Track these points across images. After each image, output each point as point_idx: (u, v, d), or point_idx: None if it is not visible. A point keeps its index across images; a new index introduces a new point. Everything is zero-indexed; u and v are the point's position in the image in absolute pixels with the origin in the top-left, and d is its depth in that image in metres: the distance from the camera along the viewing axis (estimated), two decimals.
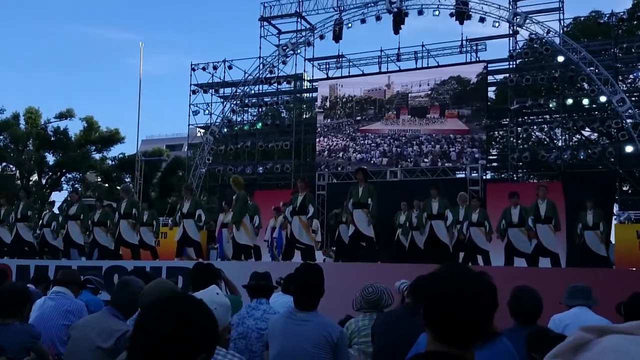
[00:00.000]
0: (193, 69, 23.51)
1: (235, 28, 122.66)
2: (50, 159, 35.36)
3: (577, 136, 23.96)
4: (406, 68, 21.79)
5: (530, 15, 19.54)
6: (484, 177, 20.15)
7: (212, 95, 24.08)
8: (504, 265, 10.79)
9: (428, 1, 20.48)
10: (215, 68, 23.22)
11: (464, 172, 19.93)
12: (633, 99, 19.36)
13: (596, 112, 20.44)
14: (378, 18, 21.18)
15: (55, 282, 5.15)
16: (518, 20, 19.55)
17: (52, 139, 35.08)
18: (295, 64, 22.89)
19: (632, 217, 17.37)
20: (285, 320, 3.77)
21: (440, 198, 11.80)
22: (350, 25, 21.80)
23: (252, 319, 4.51)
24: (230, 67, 23.19)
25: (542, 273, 9.27)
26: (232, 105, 23.35)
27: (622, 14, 19.67)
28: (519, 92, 20.15)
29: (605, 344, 1.01)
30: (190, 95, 23.80)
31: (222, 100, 23.96)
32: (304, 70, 24.04)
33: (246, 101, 23.61)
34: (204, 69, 23.37)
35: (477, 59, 21.17)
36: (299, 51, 22.72)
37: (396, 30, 21.06)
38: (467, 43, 21.45)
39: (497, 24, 19.81)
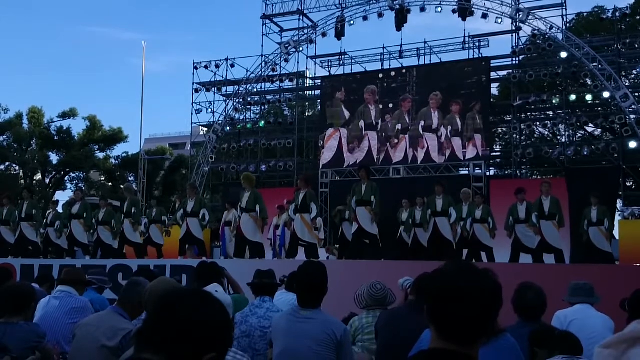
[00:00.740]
0: (195, 68, 23.51)
1: (238, 26, 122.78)
2: (54, 158, 35.48)
3: (581, 132, 23.92)
4: (409, 65, 21.75)
5: (533, 12, 19.50)
6: (487, 174, 20.12)
7: (214, 93, 24.09)
8: (509, 261, 10.77)
9: None
10: (217, 66, 23.23)
11: (467, 169, 19.90)
12: (636, 94, 19.32)
13: (599, 108, 20.39)
14: (380, 15, 21.16)
15: (60, 281, 5.15)
16: (521, 16, 19.51)
17: (56, 138, 35.16)
18: (298, 62, 22.95)
19: (636, 213, 17.36)
20: (289, 318, 3.76)
21: (445, 195, 11.79)
22: (352, 22, 21.78)
23: (255, 317, 4.51)
24: (232, 66, 23.21)
25: (546, 269, 9.25)
26: (235, 103, 23.36)
27: (625, 9, 19.63)
28: (522, 89, 20.11)
29: None
30: (192, 94, 23.86)
31: (224, 98, 23.96)
32: (307, 68, 24.06)
33: (249, 99, 23.60)
34: (206, 67, 23.38)
35: (480, 56, 21.13)
36: (301, 49, 22.72)
37: (398, 27, 21.04)
38: (470, 40, 21.39)
39: (499, 20, 19.78)
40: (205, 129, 24.92)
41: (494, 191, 17.94)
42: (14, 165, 34.86)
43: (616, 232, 15.34)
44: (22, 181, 33.64)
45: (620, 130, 18.27)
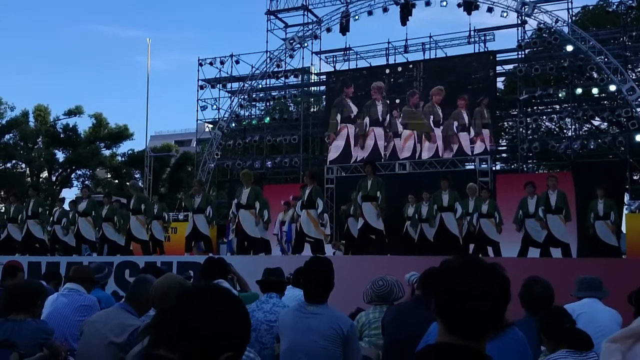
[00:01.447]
0: (200, 64, 23.50)
1: (242, 22, 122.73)
2: (60, 156, 35.56)
3: (587, 126, 23.81)
4: (414, 60, 21.67)
5: (538, 5, 19.39)
6: (494, 169, 20.06)
7: (219, 90, 24.06)
8: (517, 255, 10.75)
9: None
10: (222, 63, 23.19)
11: (473, 164, 19.84)
12: None
13: (606, 101, 20.28)
14: (385, 10, 21.08)
15: (68, 278, 5.17)
16: (526, 9, 19.41)
17: (62, 136, 35.23)
18: (303, 58, 22.84)
19: None
20: (295, 314, 3.77)
21: (451, 190, 11.78)
22: (357, 17, 21.72)
23: (261, 312, 4.52)
24: (237, 62, 23.16)
25: (553, 263, 9.23)
26: (240, 99, 23.35)
27: (630, 2, 19.50)
28: (527, 82, 20.02)
29: None
30: (197, 91, 23.83)
31: (229, 95, 23.95)
32: (311, 64, 23.98)
33: (254, 95, 23.59)
34: (211, 64, 23.35)
35: (486, 50, 21.05)
36: (306, 44, 22.65)
37: (403, 21, 20.95)
38: (475, 34, 21.29)
39: (505, 14, 19.66)
40: (210, 126, 24.92)
41: (500, 186, 17.89)
42: (21, 163, 34.98)
43: (623, 226, 15.29)
44: (29, 179, 33.76)
45: (627, 123, 18.17)
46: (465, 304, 1.62)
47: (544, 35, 19.44)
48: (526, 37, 20.26)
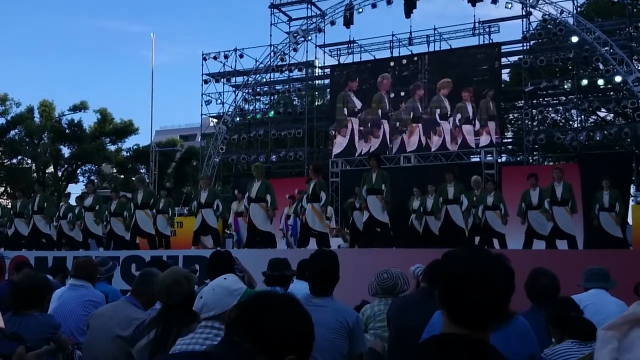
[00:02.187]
0: (204, 59, 23.49)
1: (246, 16, 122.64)
2: (66, 151, 35.72)
3: (593, 117, 23.71)
4: (418, 52, 21.61)
5: None
6: (499, 161, 20.02)
7: (223, 84, 24.07)
8: (522, 247, 10.73)
9: None
10: (226, 57, 23.18)
11: (478, 156, 19.80)
12: None
13: (611, 93, 20.19)
14: (389, 2, 20.99)
15: (75, 273, 5.18)
16: (531, 1, 19.32)
17: (67, 131, 35.37)
18: (307, 51, 22.83)
19: None
20: None
21: (456, 182, 11.73)
22: (361, 10, 21.66)
23: None
24: (241, 56, 23.14)
25: (559, 255, 9.21)
26: (244, 94, 23.36)
27: None
28: (533, 74, 19.95)
29: None
30: (202, 85, 23.86)
31: (234, 89, 23.96)
32: (315, 57, 23.93)
33: (258, 89, 23.58)
34: (215, 58, 23.34)
35: (490, 42, 20.96)
36: (309, 38, 22.63)
37: (407, 14, 20.88)
38: (480, 25, 21.20)
39: (509, 5, 19.57)
40: (215, 120, 24.94)
41: (506, 178, 17.86)
42: (26, 159, 35.14)
43: (630, 218, 15.22)
44: (34, 174, 33.89)
45: (633, 114, 18.12)
46: (470, 294, 1.62)
47: (549, 26, 19.35)
48: (531, 29, 20.19)
